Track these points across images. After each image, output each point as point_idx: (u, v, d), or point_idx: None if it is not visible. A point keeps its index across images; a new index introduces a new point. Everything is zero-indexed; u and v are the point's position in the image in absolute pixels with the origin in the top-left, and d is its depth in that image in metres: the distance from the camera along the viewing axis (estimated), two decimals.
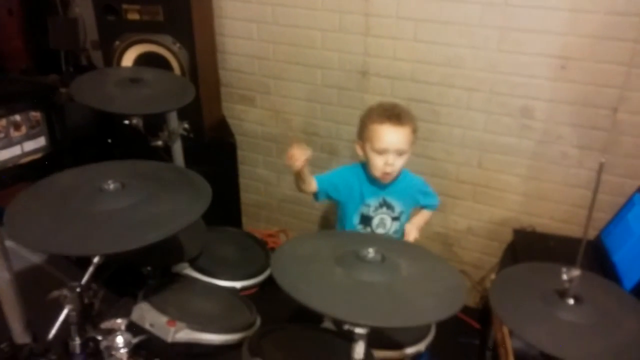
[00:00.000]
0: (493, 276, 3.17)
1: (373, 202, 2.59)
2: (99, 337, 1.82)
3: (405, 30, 3.13)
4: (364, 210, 2.60)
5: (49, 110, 3.27)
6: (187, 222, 1.70)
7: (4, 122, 3.07)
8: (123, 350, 1.78)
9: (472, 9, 2.93)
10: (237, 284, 2.52)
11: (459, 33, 3.00)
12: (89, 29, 3.84)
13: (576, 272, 1.64)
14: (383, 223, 2.64)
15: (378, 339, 2.15)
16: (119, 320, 1.81)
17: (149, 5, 3.20)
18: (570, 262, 1.69)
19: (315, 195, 2.57)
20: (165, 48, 3.26)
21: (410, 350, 2.30)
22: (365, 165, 2.59)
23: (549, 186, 3.13)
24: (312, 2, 3.30)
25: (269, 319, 2.37)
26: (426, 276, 1.76)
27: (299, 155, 2.28)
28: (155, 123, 2.72)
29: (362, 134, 2.53)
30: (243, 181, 4.09)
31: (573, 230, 3.09)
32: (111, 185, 1.76)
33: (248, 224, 4.18)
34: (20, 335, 2.21)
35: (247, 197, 4.14)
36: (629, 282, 2.39)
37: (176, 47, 3.25)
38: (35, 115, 3.21)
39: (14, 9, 3.85)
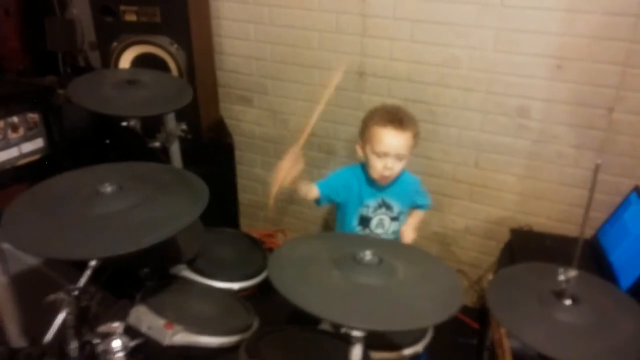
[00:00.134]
0: (490, 276, 3.18)
1: (372, 202, 2.59)
2: (96, 341, 1.82)
3: (402, 31, 3.13)
4: (363, 211, 2.60)
5: (47, 111, 3.27)
6: (184, 225, 1.70)
7: (1, 123, 3.06)
8: (120, 354, 1.79)
9: (468, 10, 2.93)
10: (235, 285, 2.53)
11: (455, 33, 3.01)
12: (87, 30, 3.84)
13: (573, 273, 1.64)
14: (382, 223, 2.64)
15: (376, 340, 2.16)
16: (115, 324, 1.81)
17: (146, 7, 3.20)
18: (567, 261, 1.70)
19: (317, 201, 2.56)
20: (162, 49, 3.26)
21: (408, 352, 2.30)
22: (364, 166, 2.59)
23: (545, 185, 3.14)
24: (309, 3, 3.30)
25: (266, 320, 2.38)
26: (423, 278, 1.76)
27: (291, 170, 2.29)
28: (153, 124, 2.73)
29: (364, 135, 2.53)
30: (241, 181, 4.09)
31: (570, 229, 3.09)
32: (108, 188, 1.76)
33: (246, 224, 4.18)
34: (16, 338, 2.21)
35: (244, 197, 4.14)
36: (625, 282, 2.40)
37: (173, 48, 3.25)
38: (33, 116, 3.21)
39: (11, 10, 3.85)
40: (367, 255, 1.71)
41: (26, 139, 3.18)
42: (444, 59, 3.09)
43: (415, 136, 2.50)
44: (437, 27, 3.04)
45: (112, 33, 3.30)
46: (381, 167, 2.45)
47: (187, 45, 3.28)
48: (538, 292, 1.70)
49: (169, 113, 2.69)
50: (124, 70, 3.26)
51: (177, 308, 2.15)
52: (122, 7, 3.23)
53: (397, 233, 2.70)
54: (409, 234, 2.68)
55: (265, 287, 2.48)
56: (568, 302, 1.65)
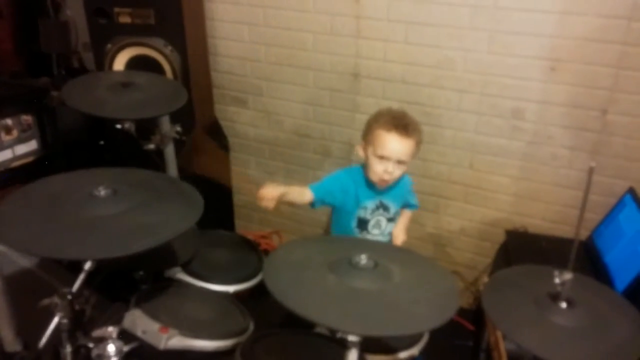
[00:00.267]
0: (486, 278, 3.18)
1: (370, 204, 2.59)
2: (91, 345, 1.81)
3: (396, 33, 3.13)
4: (361, 213, 2.60)
5: (41, 113, 3.26)
6: (177, 233, 1.71)
7: None
8: (115, 359, 1.79)
9: (462, 12, 2.93)
10: (230, 288, 2.52)
11: (449, 35, 3.01)
12: (81, 32, 3.83)
13: (568, 276, 1.64)
14: (379, 225, 2.64)
15: (371, 343, 2.16)
16: (110, 328, 1.81)
17: (140, 9, 3.19)
18: (562, 263, 1.70)
19: (312, 204, 2.56)
20: (157, 51, 3.25)
21: (403, 355, 2.30)
22: (363, 168, 2.59)
23: (539, 187, 3.14)
24: (303, 5, 3.30)
25: (262, 322, 2.38)
26: (419, 282, 1.76)
27: (270, 196, 2.34)
28: (148, 126, 2.72)
29: (367, 137, 2.52)
30: (235, 183, 4.09)
31: (564, 230, 3.10)
32: (102, 192, 1.76)
33: (241, 226, 4.17)
34: (10, 343, 2.20)
35: (239, 198, 4.14)
36: (621, 284, 2.40)
37: (168, 49, 3.24)
38: (27, 118, 3.20)
39: (5, 12, 3.84)
40: (363, 259, 1.70)
41: (20, 141, 3.17)
42: (439, 60, 3.09)
43: (418, 144, 2.50)
44: (431, 29, 3.04)
45: (106, 35, 3.29)
46: (381, 171, 2.45)
47: (182, 47, 3.27)
48: (534, 295, 1.70)
49: (164, 115, 2.68)
50: (118, 72, 3.25)
51: (172, 311, 2.14)
52: (116, 9, 3.22)
53: (392, 233, 2.71)
54: (401, 236, 2.69)
55: (261, 290, 2.48)
56: (563, 304, 1.65)
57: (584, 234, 2.82)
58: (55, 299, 1.75)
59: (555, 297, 1.66)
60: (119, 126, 2.48)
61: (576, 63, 2.81)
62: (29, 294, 1.93)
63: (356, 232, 2.64)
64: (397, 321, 1.56)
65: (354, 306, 1.57)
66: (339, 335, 1.58)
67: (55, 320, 1.76)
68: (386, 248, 2.33)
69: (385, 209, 2.63)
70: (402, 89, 3.23)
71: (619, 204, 2.73)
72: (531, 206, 3.21)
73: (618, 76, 2.75)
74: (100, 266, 1.83)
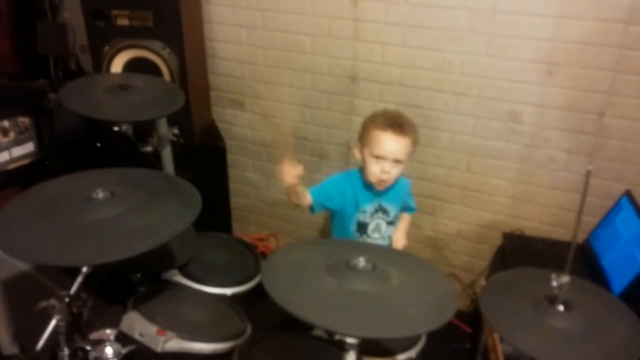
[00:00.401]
0: (483, 280, 3.18)
1: (369, 208, 2.59)
2: (88, 348, 1.81)
3: (394, 36, 3.13)
4: (360, 217, 2.60)
5: (38, 115, 3.25)
6: (175, 232, 1.70)
7: None
8: None
9: (460, 15, 2.94)
10: (228, 291, 2.51)
11: (447, 38, 3.01)
12: (78, 34, 3.83)
13: (565, 279, 1.64)
14: (378, 228, 2.64)
15: (369, 345, 2.16)
16: (108, 331, 1.81)
17: (138, 11, 3.19)
18: (559, 266, 1.70)
19: (311, 208, 2.55)
20: (154, 53, 3.25)
21: (401, 357, 2.30)
22: (361, 171, 2.59)
23: (536, 190, 3.15)
24: (301, 8, 3.30)
25: (259, 325, 2.37)
26: (417, 285, 1.76)
27: (291, 172, 2.27)
28: (145, 129, 2.72)
29: (363, 138, 2.53)
30: (233, 185, 4.09)
31: (561, 233, 3.10)
32: (100, 194, 1.76)
33: (238, 228, 4.18)
34: (7, 345, 2.20)
35: (237, 201, 4.14)
36: (617, 287, 2.40)
37: (166, 52, 3.24)
38: (24, 120, 3.19)
39: (3, 13, 3.84)
40: (361, 262, 1.71)
41: (17, 143, 3.16)
42: (436, 63, 3.09)
43: (415, 143, 2.50)
44: (429, 32, 3.04)
45: (104, 37, 3.29)
46: (378, 171, 2.45)
47: (179, 50, 3.27)
48: (531, 298, 1.71)
49: (161, 118, 2.68)
50: (115, 74, 3.25)
51: (169, 314, 2.15)
52: (114, 11, 3.22)
53: (392, 238, 2.71)
54: (401, 241, 2.69)
55: (258, 292, 2.47)
56: (561, 307, 1.65)
57: (580, 237, 2.82)
58: (53, 302, 1.75)
59: (552, 300, 1.66)
60: (116, 128, 2.48)
61: (573, 66, 2.81)
62: (26, 297, 1.93)
63: (356, 236, 2.64)
64: (395, 324, 1.56)
65: (352, 309, 1.57)
66: (337, 337, 1.57)
67: (53, 322, 1.76)
68: (384, 251, 2.33)
69: (385, 212, 2.63)
70: (400, 91, 3.23)
71: (616, 207, 2.73)
72: (528, 209, 3.21)
73: (615, 79, 2.75)
74: (98, 269, 1.83)
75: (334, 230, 2.77)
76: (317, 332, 2.25)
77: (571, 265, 1.72)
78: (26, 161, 3.22)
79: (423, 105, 3.21)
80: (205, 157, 3.69)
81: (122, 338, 1.91)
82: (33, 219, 1.72)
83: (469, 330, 3.24)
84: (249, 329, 2.29)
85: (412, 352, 2.33)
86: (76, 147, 3.56)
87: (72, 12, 3.85)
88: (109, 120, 2.51)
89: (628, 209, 2.62)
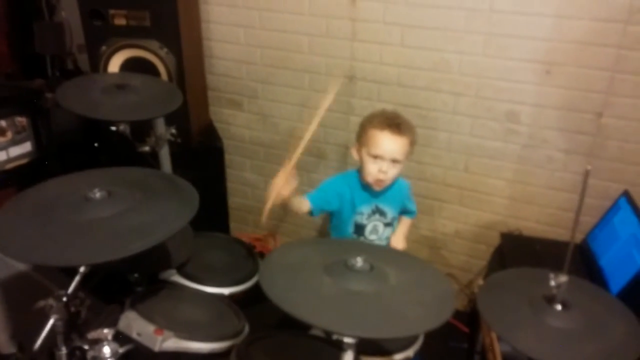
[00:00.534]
0: (481, 280, 3.18)
1: (366, 209, 2.59)
2: (86, 347, 1.81)
3: (392, 36, 3.13)
4: (358, 218, 2.60)
5: (35, 115, 3.24)
6: (173, 231, 1.69)
7: None
8: None
9: (457, 15, 2.93)
10: (225, 291, 2.51)
11: (445, 38, 3.01)
12: (76, 34, 3.82)
13: (564, 278, 1.64)
14: (376, 230, 2.65)
15: (367, 345, 2.16)
16: (105, 330, 1.81)
17: (135, 11, 3.18)
18: (557, 266, 1.70)
19: (310, 213, 2.55)
20: (152, 53, 3.25)
21: (399, 357, 2.30)
22: (358, 173, 2.59)
23: (534, 190, 3.15)
24: (299, 7, 3.30)
25: (257, 325, 2.37)
26: (414, 285, 1.76)
27: (284, 188, 2.28)
28: (142, 128, 2.71)
29: (360, 138, 2.53)
30: (230, 185, 4.08)
31: (559, 233, 3.10)
32: (97, 194, 1.75)
33: (236, 228, 4.17)
34: (5, 345, 2.20)
35: (234, 201, 4.13)
36: (615, 287, 2.41)
37: (163, 52, 3.23)
38: (21, 120, 3.19)
39: None
40: (359, 261, 1.70)
41: (14, 142, 3.15)
42: (434, 63, 3.09)
43: (412, 144, 2.51)
44: (427, 31, 3.04)
45: (101, 37, 3.28)
46: (376, 171, 2.45)
47: (177, 49, 3.27)
48: (529, 297, 1.71)
49: (159, 117, 2.68)
50: (113, 74, 3.24)
51: (167, 314, 2.14)
52: (112, 11, 3.21)
53: (390, 239, 2.71)
54: (400, 245, 2.70)
55: (256, 292, 2.47)
56: (559, 307, 1.65)
57: (578, 237, 2.83)
58: (51, 301, 1.75)
59: (550, 300, 1.66)
60: (113, 128, 2.47)
61: (571, 66, 2.82)
62: (23, 296, 1.93)
63: (353, 238, 2.64)
64: (392, 323, 1.56)
65: (349, 308, 1.57)
66: (334, 337, 1.57)
67: (51, 322, 1.76)
68: (382, 251, 2.33)
69: (382, 213, 2.63)
70: (398, 91, 3.23)
71: (614, 207, 2.73)
72: (526, 209, 3.21)
73: (613, 79, 2.75)
74: (96, 269, 1.82)
75: (332, 231, 2.78)
76: (315, 332, 2.25)
77: (569, 265, 1.72)
78: (24, 161, 3.21)
79: (421, 105, 3.21)
80: (202, 157, 3.68)
81: (120, 337, 1.91)
82: (30, 219, 1.71)
83: (466, 330, 3.25)
84: (246, 329, 2.29)
85: (410, 352, 2.33)
86: (74, 146, 3.55)
87: (69, 12, 3.83)
88: (107, 120, 2.50)
89: (626, 209, 2.62)
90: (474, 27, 2.93)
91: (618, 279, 2.42)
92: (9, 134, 3.14)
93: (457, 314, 3.18)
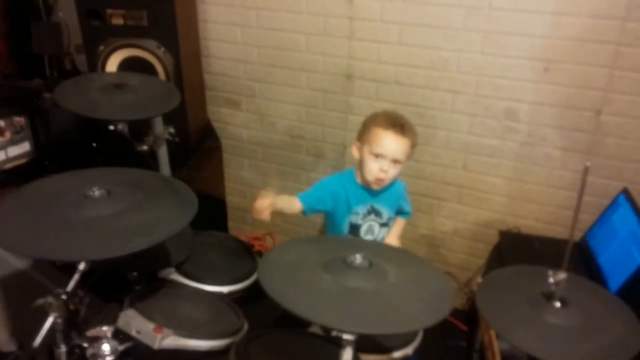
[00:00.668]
0: (479, 278, 3.18)
1: (361, 209, 2.59)
2: (85, 345, 1.81)
3: (389, 34, 3.13)
4: (353, 218, 2.60)
5: (33, 115, 3.24)
6: (172, 232, 1.70)
7: None
8: (109, 358, 1.78)
9: (455, 13, 2.94)
10: (224, 289, 2.52)
11: (443, 36, 3.01)
12: (73, 34, 3.81)
13: (562, 275, 1.64)
14: (371, 230, 2.64)
15: (365, 343, 2.15)
16: (105, 328, 1.80)
17: (133, 10, 3.18)
18: (555, 264, 1.70)
19: (303, 213, 2.56)
20: (149, 52, 3.24)
21: (397, 354, 2.30)
22: (353, 172, 2.60)
23: (533, 188, 3.15)
24: (296, 6, 3.30)
25: (256, 323, 2.37)
26: (413, 282, 1.76)
27: (263, 207, 2.37)
28: (141, 128, 2.71)
29: (362, 136, 2.53)
30: (228, 184, 4.09)
31: (558, 231, 3.11)
32: (97, 192, 1.75)
33: (234, 228, 4.17)
34: (5, 343, 2.20)
35: (232, 200, 4.13)
36: (614, 284, 2.41)
37: (161, 51, 3.23)
38: (19, 120, 3.18)
39: None
40: (358, 258, 1.70)
41: (13, 142, 3.15)
42: (432, 61, 3.10)
43: (413, 145, 2.52)
44: (425, 29, 3.04)
45: (98, 36, 3.28)
46: (377, 169, 2.45)
47: (175, 49, 3.26)
48: (527, 295, 1.71)
49: (157, 117, 2.68)
50: (111, 74, 3.23)
51: (166, 312, 2.14)
52: (109, 11, 3.20)
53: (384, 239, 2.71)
54: (394, 244, 2.69)
55: (254, 291, 2.47)
56: (557, 304, 1.65)
57: (577, 235, 2.83)
58: (50, 299, 1.74)
59: (549, 297, 1.66)
60: (111, 127, 2.47)
61: (570, 63, 2.82)
62: (23, 295, 1.92)
63: None
64: (391, 320, 1.56)
65: (349, 305, 1.57)
66: (333, 334, 1.57)
67: (50, 320, 1.75)
68: (381, 248, 2.33)
69: (377, 214, 2.63)
70: (396, 90, 3.24)
71: (613, 205, 2.73)
72: (524, 207, 3.22)
73: (612, 76, 2.76)
74: (95, 267, 1.82)
75: (327, 231, 2.78)
76: (314, 330, 2.25)
77: (568, 263, 1.72)
78: (22, 161, 3.21)
79: (419, 104, 3.21)
80: (201, 157, 3.68)
81: (119, 335, 1.91)
82: (29, 214, 1.71)
83: (465, 328, 3.25)
84: (245, 327, 2.29)
85: (409, 349, 2.34)
86: (72, 146, 3.54)
87: (66, 12, 3.83)
88: (105, 120, 2.50)
89: (625, 207, 2.62)
90: (472, 24, 2.93)
91: (617, 277, 2.42)
92: (8, 134, 3.13)
93: (456, 312, 3.22)
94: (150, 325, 1.98)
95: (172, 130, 2.80)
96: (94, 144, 3.56)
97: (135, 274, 2.38)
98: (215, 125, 3.89)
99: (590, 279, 2.13)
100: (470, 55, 3.00)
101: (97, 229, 1.66)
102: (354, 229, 2.62)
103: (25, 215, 1.71)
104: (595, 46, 2.74)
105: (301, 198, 2.52)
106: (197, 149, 3.64)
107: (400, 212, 2.79)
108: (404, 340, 2.35)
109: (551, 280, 1.65)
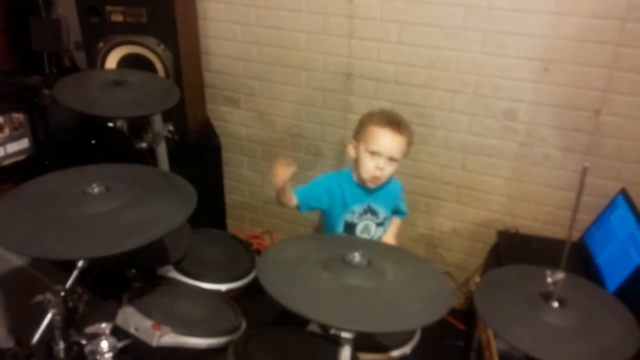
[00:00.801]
0: (477, 278, 3.19)
1: (357, 208, 2.59)
2: (84, 342, 1.81)
3: (389, 33, 3.13)
4: (348, 217, 2.60)
5: (32, 111, 3.25)
6: (171, 228, 1.70)
7: None
8: (108, 355, 1.78)
9: (455, 12, 2.94)
10: (222, 287, 2.52)
11: (442, 35, 3.01)
12: (72, 30, 3.82)
13: (560, 275, 1.64)
14: (367, 229, 2.64)
15: (363, 341, 2.16)
16: (103, 325, 1.80)
17: (132, 7, 3.18)
18: (554, 264, 1.71)
19: (298, 208, 2.56)
20: (149, 50, 3.24)
21: (395, 353, 2.30)
22: (351, 172, 2.60)
23: (531, 188, 3.15)
24: (296, 4, 3.30)
25: (254, 321, 2.38)
26: (412, 280, 1.76)
27: (283, 173, 2.30)
28: (140, 125, 2.71)
29: (359, 134, 2.53)
30: (227, 183, 4.08)
31: (556, 231, 3.11)
32: (96, 189, 1.75)
33: (232, 226, 4.17)
34: (3, 339, 2.20)
35: (231, 198, 4.13)
36: (612, 284, 2.41)
37: (160, 48, 3.23)
38: (19, 116, 3.19)
39: None
40: (356, 257, 1.70)
41: (12, 139, 3.16)
42: (432, 60, 3.09)
43: (409, 144, 2.52)
44: (425, 29, 3.04)
45: (98, 33, 3.28)
46: (373, 167, 2.46)
47: (174, 46, 3.26)
48: (525, 295, 1.71)
49: (156, 114, 2.68)
50: (110, 70, 3.23)
51: (164, 309, 2.14)
52: (108, 7, 3.20)
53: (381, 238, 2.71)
54: (391, 243, 2.69)
55: (253, 289, 2.47)
56: (555, 304, 1.65)
57: (575, 235, 2.83)
58: (49, 296, 1.75)
59: (547, 297, 1.67)
60: (111, 125, 2.48)
61: (569, 64, 2.82)
62: (22, 291, 1.92)
63: None
64: (389, 318, 1.56)
65: (347, 303, 1.57)
66: (332, 332, 1.57)
67: (49, 316, 1.76)
68: (379, 246, 2.33)
69: (374, 213, 2.63)
70: (395, 89, 3.23)
71: (611, 205, 2.74)
72: (523, 207, 3.22)
73: (611, 77, 2.76)
74: (93, 264, 1.83)
75: (324, 230, 2.78)
76: (312, 328, 2.25)
77: (566, 263, 1.73)
78: (21, 157, 3.22)
79: (418, 103, 3.21)
80: (200, 155, 3.68)
81: (118, 332, 1.91)
82: (28, 212, 1.72)
83: (463, 328, 3.25)
84: (243, 324, 2.30)
85: (407, 348, 2.34)
86: (71, 143, 3.55)
87: (65, 8, 3.83)
88: (104, 117, 2.51)
89: (623, 207, 2.63)
90: (472, 24, 2.93)
91: (615, 277, 2.42)
92: (7, 131, 3.14)
93: (454, 312, 3.23)
94: (148, 323, 1.98)
95: (171, 127, 2.80)
96: (93, 141, 3.56)
97: (133, 271, 2.39)
98: (215, 123, 3.89)
99: (588, 279, 2.14)
100: (469, 54, 2.99)
101: (96, 226, 1.67)
102: (350, 227, 2.62)
103: (25, 214, 1.72)
104: (594, 46, 2.74)
105: (297, 193, 2.52)
106: (196, 147, 3.64)
107: (396, 212, 2.79)
108: (402, 339, 2.35)
109: (549, 280, 1.66)
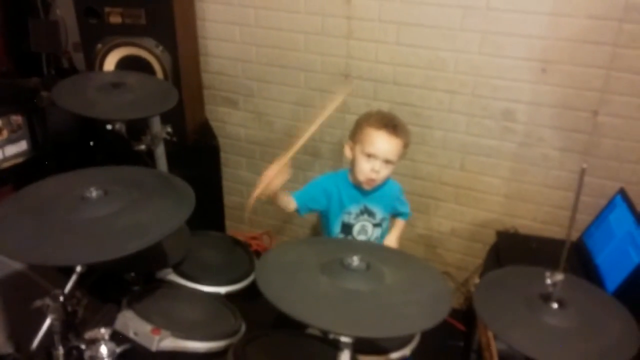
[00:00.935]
0: (477, 278, 3.19)
1: (354, 209, 2.59)
2: (83, 347, 1.81)
3: (387, 34, 3.13)
4: (345, 218, 2.60)
5: (31, 113, 3.24)
6: (170, 230, 1.69)
7: None
8: None
9: (453, 13, 2.93)
10: (222, 290, 2.51)
11: (441, 36, 3.01)
12: (71, 32, 3.81)
13: (559, 277, 1.65)
14: (364, 230, 2.64)
15: (363, 344, 2.16)
16: (102, 330, 1.80)
17: (131, 8, 3.18)
18: (553, 264, 1.71)
19: (298, 211, 2.56)
20: (147, 51, 3.24)
21: (395, 355, 2.30)
22: (348, 173, 2.60)
23: (530, 188, 3.15)
24: (295, 5, 3.30)
25: (253, 324, 2.37)
26: (411, 284, 1.76)
27: (277, 179, 2.28)
28: (138, 127, 2.71)
29: (355, 136, 2.53)
30: (226, 184, 4.08)
31: (555, 231, 3.11)
32: (94, 193, 1.74)
33: (231, 227, 4.16)
34: (2, 345, 2.19)
35: (230, 199, 4.13)
36: (611, 285, 2.41)
37: (159, 50, 3.23)
38: (17, 119, 3.18)
39: None
40: (355, 260, 1.70)
41: (10, 141, 3.15)
42: (430, 61, 3.09)
43: (406, 146, 2.52)
44: (423, 29, 3.04)
45: (96, 35, 3.27)
46: (368, 169, 2.45)
47: (173, 47, 3.26)
48: (525, 295, 1.71)
49: (154, 116, 2.68)
50: (108, 72, 3.23)
51: (164, 313, 2.14)
52: (107, 9, 3.20)
53: (380, 240, 2.71)
54: (394, 246, 2.69)
55: (252, 291, 2.47)
56: (555, 305, 1.65)
57: (574, 235, 2.83)
58: (48, 301, 1.75)
59: (546, 298, 1.67)
60: (109, 127, 2.48)
61: (567, 64, 2.82)
62: (21, 296, 1.92)
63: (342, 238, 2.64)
64: (389, 323, 1.56)
65: (346, 307, 1.57)
66: (331, 336, 1.57)
67: (48, 321, 1.76)
68: (379, 249, 2.33)
69: (370, 214, 2.63)
70: (393, 89, 3.23)
71: (610, 205, 2.74)
72: (522, 207, 3.22)
73: (609, 77, 2.76)
74: (92, 268, 1.82)
75: (322, 231, 2.78)
76: (312, 331, 2.25)
77: (565, 263, 1.73)
78: (19, 160, 3.21)
79: (416, 104, 3.21)
80: (198, 156, 3.68)
81: (117, 337, 1.91)
82: (27, 218, 1.71)
83: (462, 328, 3.25)
84: (243, 328, 2.30)
85: (407, 350, 2.34)
86: (69, 146, 3.54)
87: (64, 10, 3.83)
88: (102, 119, 2.50)
89: (622, 207, 2.63)
90: (470, 25, 2.93)
91: (614, 277, 2.42)
92: (5, 133, 3.13)
93: (454, 312, 3.23)
94: (148, 327, 1.98)
95: (169, 129, 2.80)
96: (92, 143, 3.56)
97: (132, 274, 2.38)
98: (213, 124, 3.89)
99: (587, 279, 2.14)
100: (467, 55, 2.99)
101: (95, 231, 1.66)
102: (347, 228, 2.62)
103: (22, 220, 1.70)
104: (592, 47, 2.74)
105: (295, 196, 2.52)
106: (195, 148, 3.64)
107: (397, 214, 2.79)
108: (401, 341, 2.35)
109: (548, 281, 1.66)
